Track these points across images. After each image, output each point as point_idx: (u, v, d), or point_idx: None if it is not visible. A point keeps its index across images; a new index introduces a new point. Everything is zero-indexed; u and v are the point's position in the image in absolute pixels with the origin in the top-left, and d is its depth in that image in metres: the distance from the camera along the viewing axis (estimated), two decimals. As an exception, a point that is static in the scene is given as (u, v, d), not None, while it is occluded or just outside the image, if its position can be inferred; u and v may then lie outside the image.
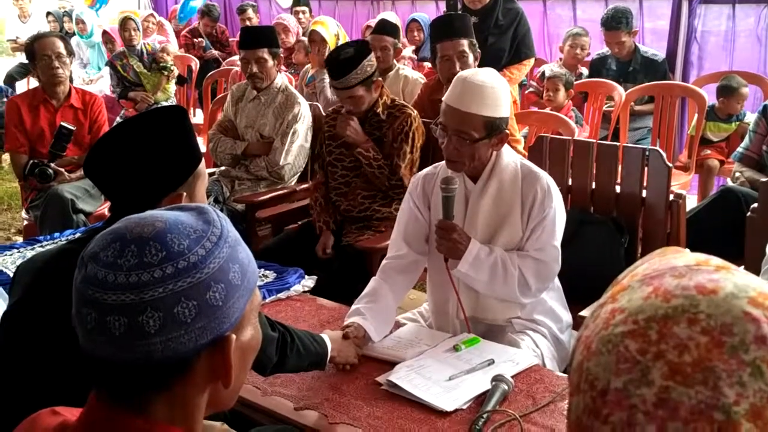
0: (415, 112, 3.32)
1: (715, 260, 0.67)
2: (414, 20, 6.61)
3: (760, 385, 0.58)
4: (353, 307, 2.25)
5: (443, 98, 2.29)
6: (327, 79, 4.77)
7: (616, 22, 5.06)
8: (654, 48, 5.46)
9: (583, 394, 0.64)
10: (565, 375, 1.98)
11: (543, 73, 5.17)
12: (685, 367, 0.59)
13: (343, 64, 3.10)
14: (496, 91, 2.22)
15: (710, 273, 0.65)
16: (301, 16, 7.30)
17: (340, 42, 4.90)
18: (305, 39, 5.68)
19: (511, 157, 2.33)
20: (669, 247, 0.73)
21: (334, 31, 4.90)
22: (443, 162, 2.35)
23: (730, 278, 0.64)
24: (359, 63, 3.10)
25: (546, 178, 2.29)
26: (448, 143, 2.24)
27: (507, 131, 2.28)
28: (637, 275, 0.68)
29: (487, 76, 2.24)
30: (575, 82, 5.01)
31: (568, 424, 0.67)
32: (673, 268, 0.66)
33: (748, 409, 0.57)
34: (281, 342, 1.80)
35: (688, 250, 0.71)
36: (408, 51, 6.17)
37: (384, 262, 2.42)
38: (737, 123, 4.66)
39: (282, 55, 4.25)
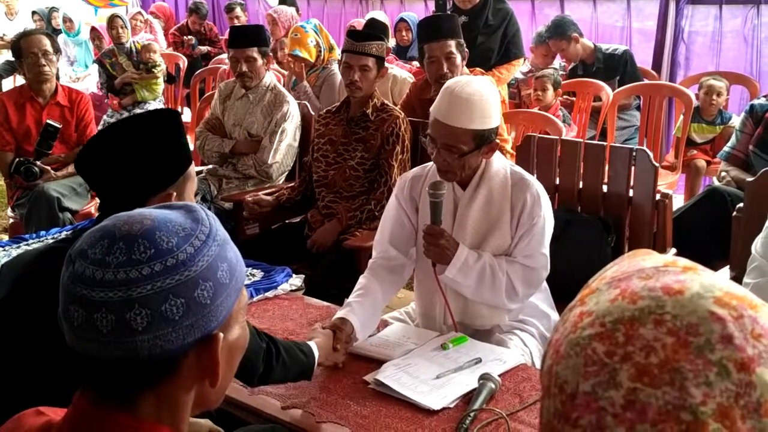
0: (403, 114, 3.37)
1: (683, 261, 0.67)
2: (402, 20, 6.60)
3: (726, 385, 0.58)
4: (345, 303, 2.23)
5: (431, 109, 2.26)
6: (309, 89, 4.76)
7: (550, 34, 5.37)
8: (641, 48, 5.48)
9: (553, 398, 0.64)
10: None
11: (515, 80, 5.27)
12: (652, 369, 0.59)
13: (367, 34, 3.54)
14: (484, 103, 2.17)
15: (677, 274, 0.65)
16: (288, 15, 7.28)
17: (323, 51, 4.82)
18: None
19: (501, 164, 2.31)
20: (639, 250, 0.73)
21: (313, 44, 4.78)
22: (431, 163, 2.33)
23: (697, 279, 0.64)
24: (380, 40, 3.41)
25: (536, 185, 2.28)
26: (438, 155, 2.22)
27: (497, 140, 2.26)
28: (605, 278, 0.68)
29: (475, 86, 2.18)
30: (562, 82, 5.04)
31: (540, 428, 0.67)
32: (641, 270, 0.66)
33: (715, 409, 0.57)
34: (267, 352, 1.79)
35: (664, 253, 0.71)
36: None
37: (371, 260, 2.41)
38: (722, 126, 4.68)
39: (272, 51, 4.22)
